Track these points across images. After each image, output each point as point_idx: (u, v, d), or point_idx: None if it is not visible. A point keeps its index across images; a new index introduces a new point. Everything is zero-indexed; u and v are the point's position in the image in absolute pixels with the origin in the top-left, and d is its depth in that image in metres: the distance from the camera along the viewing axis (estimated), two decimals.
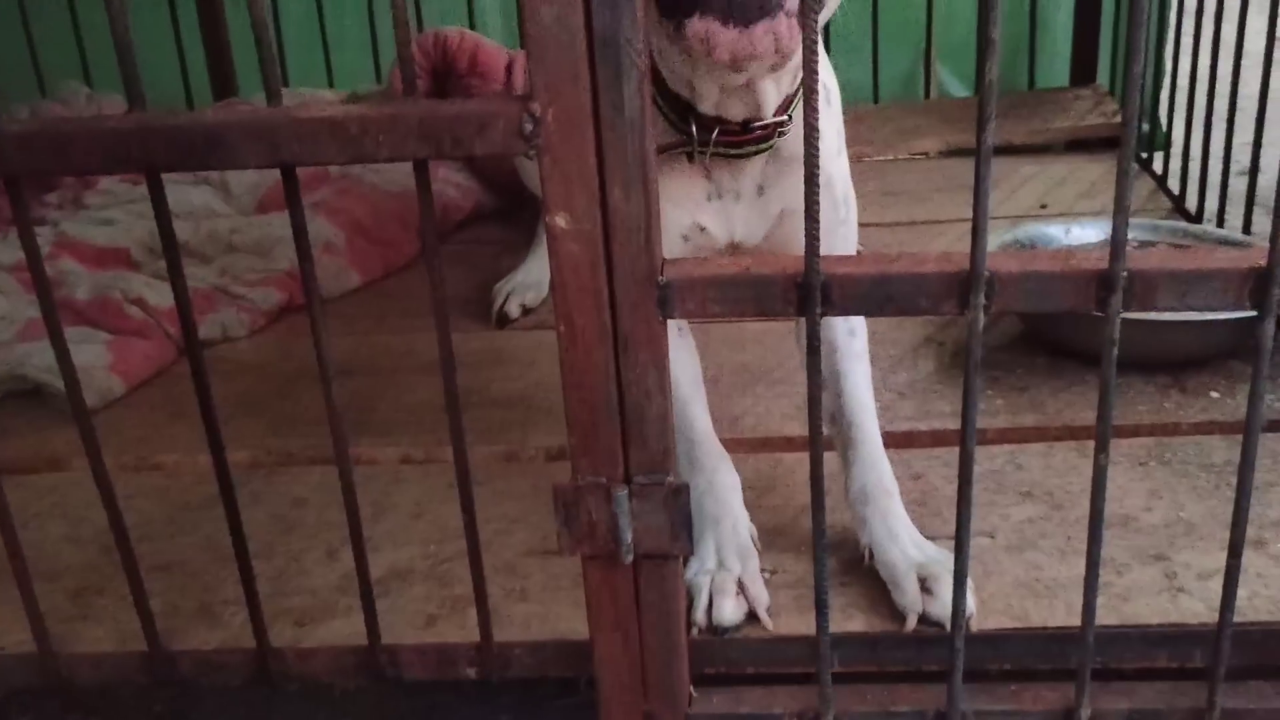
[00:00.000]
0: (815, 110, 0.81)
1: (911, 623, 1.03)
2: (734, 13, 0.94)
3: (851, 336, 1.20)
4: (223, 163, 0.86)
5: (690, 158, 1.09)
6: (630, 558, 0.94)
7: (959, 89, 2.80)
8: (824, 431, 0.99)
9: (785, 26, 0.96)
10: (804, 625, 1.05)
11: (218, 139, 0.85)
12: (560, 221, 0.85)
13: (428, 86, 2.09)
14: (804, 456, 1.09)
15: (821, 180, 1.15)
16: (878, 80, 2.59)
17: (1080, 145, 2.33)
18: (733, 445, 1.33)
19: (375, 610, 1.03)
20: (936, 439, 1.36)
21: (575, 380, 0.90)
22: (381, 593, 1.15)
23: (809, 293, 0.86)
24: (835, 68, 1.26)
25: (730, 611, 1.05)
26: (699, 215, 1.14)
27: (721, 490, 1.14)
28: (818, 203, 0.84)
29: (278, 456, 1.44)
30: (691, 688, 1.00)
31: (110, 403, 1.57)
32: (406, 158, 0.85)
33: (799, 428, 1.38)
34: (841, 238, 1.19)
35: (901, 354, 1.55)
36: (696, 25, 0.95)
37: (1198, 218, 1.91)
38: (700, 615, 1.05)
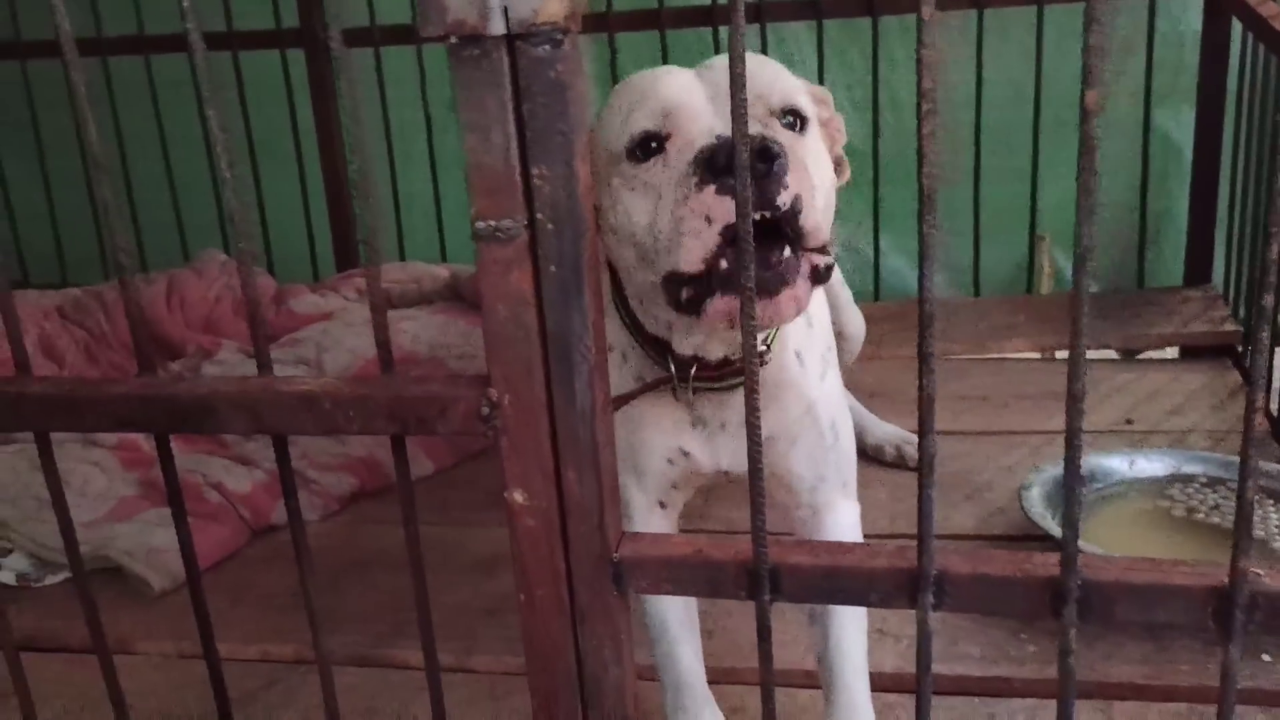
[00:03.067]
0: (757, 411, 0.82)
1: None
2: (759, 286, 0.94)
3: None
4: (214, 429, 0.93)
5: (674, 394, 1.12)
6: None
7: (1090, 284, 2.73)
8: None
9: (804, 289, 0.98)
10: None
11: (210, 408, 0.91)
12: (518, 498, 0.88)
13: None
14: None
15: (802, 408, 1.17)
16: (979, 271, 2.57)
17: (1191, 351, 2.27)
18: (742, 675, 1.32)
19: None
20: (958, 685, 1.33)
21: (535, 648, 0.92)
22: None
23: (757, 581, 0.86)
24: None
25: None
26: (682, 441, 1.16)
27: None
28: (762, 493, 0.84)
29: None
30: None
31: (181, 585, 1.65)
32: (376, 433, 0.89)
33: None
34: (832, 465, 1.19)
35: None
36: (719, 305, 0.98)
37: None
38: None
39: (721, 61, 1.07)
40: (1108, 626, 1.35)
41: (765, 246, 0.96)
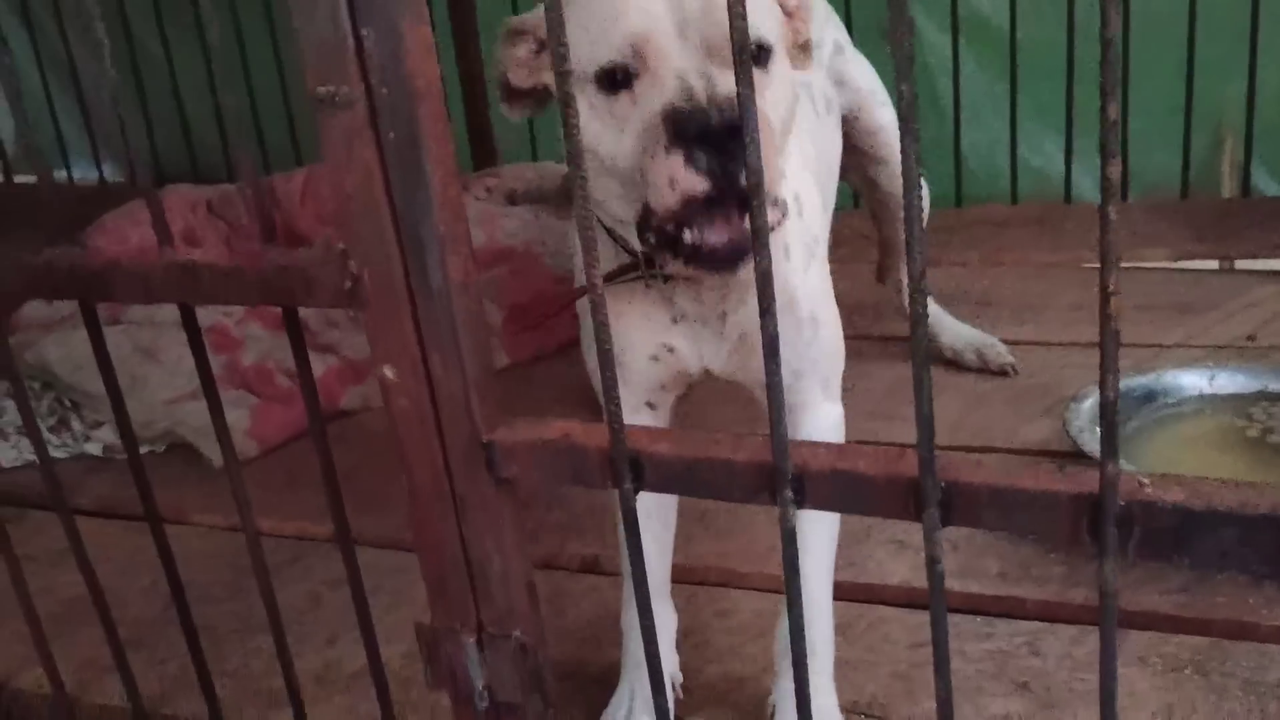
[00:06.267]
0: None
1: None
2: (716, 264, 0.96)
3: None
4: (111, 298, 0.96)
5: (645, 284, 1.06)
6: (484, 704, 0.94)
7: (1272, 184, 2.50)
8: None
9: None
10: None
11: (108, 278, 0.93)
12: (388, 373, 0.86)
13: None
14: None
15: (784, 300, 1.09)
16: (1127, 173, 2.36)
17: None
18: (748, 580, 1.29)
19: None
20: (969, 603, 1.25)
21: (420, 530, 0.91)
22: (344, 689, 1.20)
23: (617, 469, 0.83)
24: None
25: None
26: (667, 337, 1.11)
27: None
28: (615, 382, 0.80)
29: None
30: None
31: (243, 463, 1.72)
32: (250, 304, 0.90)
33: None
34: (810, 361, 1.12)
35: None
36: (681, 269, 0.97)
37: None
38: None
39: None
40: (976, 529, 1.25)
41: (721, 208, 0.94)
